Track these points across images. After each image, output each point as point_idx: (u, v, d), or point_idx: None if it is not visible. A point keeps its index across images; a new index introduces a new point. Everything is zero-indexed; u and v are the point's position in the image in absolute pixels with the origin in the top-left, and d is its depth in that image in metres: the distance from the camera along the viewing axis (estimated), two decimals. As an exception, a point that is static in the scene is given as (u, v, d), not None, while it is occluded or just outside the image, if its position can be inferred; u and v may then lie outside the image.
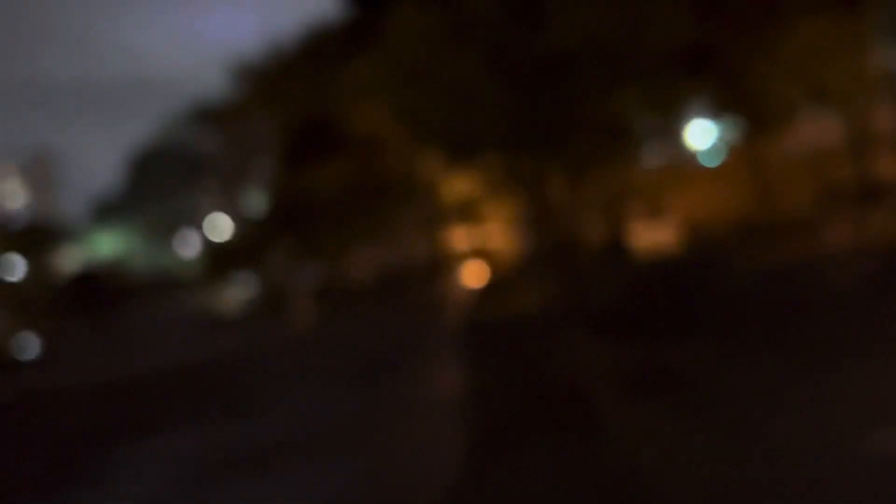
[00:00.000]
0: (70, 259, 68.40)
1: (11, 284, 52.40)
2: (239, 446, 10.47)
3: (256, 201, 49.85)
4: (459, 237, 45.68)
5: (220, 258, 49.66)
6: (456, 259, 44.60)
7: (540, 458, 7.24)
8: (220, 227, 56.37)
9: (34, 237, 61.01)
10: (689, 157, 39.52)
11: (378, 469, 8.25)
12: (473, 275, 40.70)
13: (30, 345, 34.45)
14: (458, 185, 40.89)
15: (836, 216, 29.38)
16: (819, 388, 7.80)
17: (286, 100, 44.04)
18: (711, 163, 39.33)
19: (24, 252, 56.52)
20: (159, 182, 77.61)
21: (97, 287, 45.96)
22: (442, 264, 43.62)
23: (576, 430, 7.98)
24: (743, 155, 36.94)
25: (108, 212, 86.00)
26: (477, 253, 44.53)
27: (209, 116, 57.34)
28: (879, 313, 11.20)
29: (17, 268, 55.76)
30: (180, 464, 9.97)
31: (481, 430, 9.06)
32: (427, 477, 7.46)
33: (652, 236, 35.62)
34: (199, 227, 64.50)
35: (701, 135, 38.04)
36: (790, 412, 7.19)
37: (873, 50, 30.06)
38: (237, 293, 45.61)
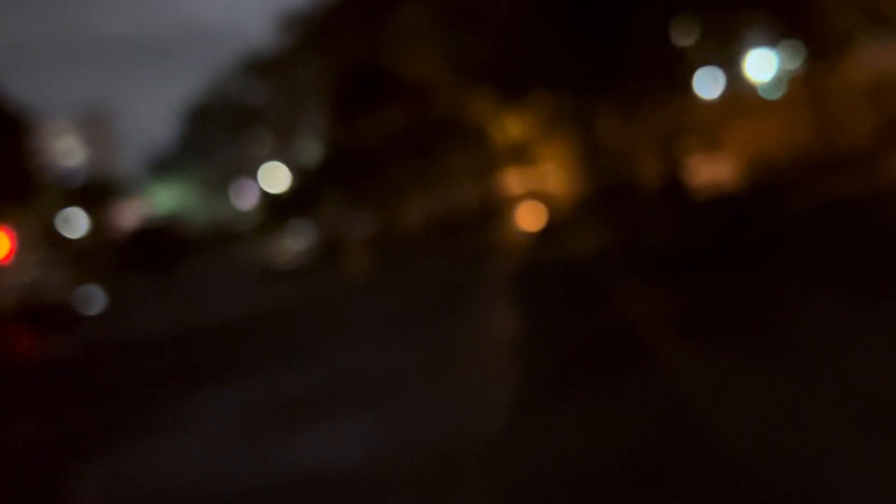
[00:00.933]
0: (129, 214, 69.44)
1: (74, 240, 53.37)
2: (301, 393, 10.53)
3: (310, 151, 50.02)
4: (514, 181, 45.39)
5: (275, 209, 50.05)
6: (511, 203, 44.37)
7: (596, 400, 7.14)
8: (275, 177, 56.63)
9: (93, 193, 61.99)
10: (748, 89, 38.68)
11: (435, 412, 8.21)
12: (529, 218, 40.47)
13: (94, 299, 35.09)
14: (510, 128, 40.52)
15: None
16: (881, 325, 7.55)
17: (335, 48, 43.91)
18: (771, 95, 38.44)
19: (85, 208, 57.47)
20: (213, 135, 78.22)
21: (157, 241, 46.62)
22: (497, 208, 43.43)
23: (633, 372, 7.85)
24: (803, 86, 36.05)
25: (164, 166, 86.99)
26: (532, 196, 44.25)
27: (260, 67, 57.43)
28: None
29: (79, 224, 56.73)
30: (246, 412, 10.05)
31: (538, 373, 8.98)
32: (483, 419, 7.41)
33: (710, 172, 35.03)
34: (254, 178, 64.95)
35: (760, 66, 37.13)
36: (851, 351, 6.96)
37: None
38: (293, 243, 45.93)
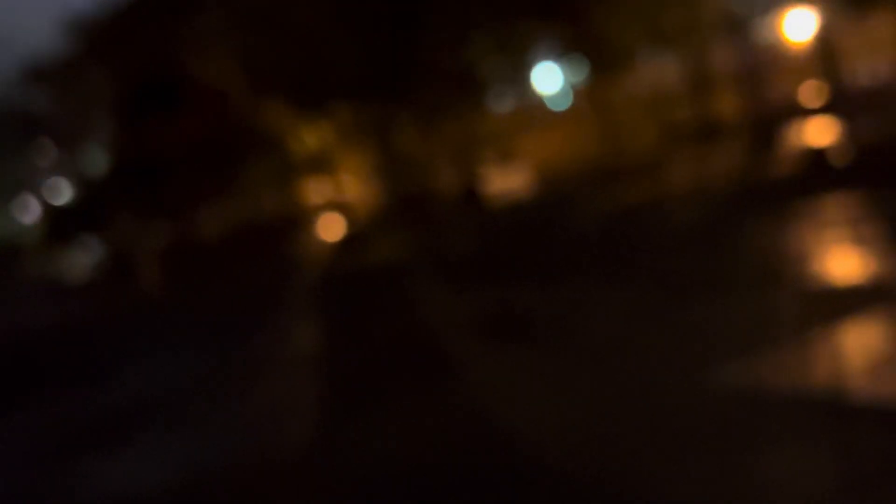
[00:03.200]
0: None
1: None
2: (95, 414, 10.12)
3: (98, 162, 47.99)
4: (314, 191, 45.15)
5: (62, 222, 47.75)
6: (311, 213, 44.10)
7: (394, 408, 7.21)
8: (62, 189, 54.11)
9: None
10: (537, 102, 39.97)
11: (234, 429, 8.07)
12: (329, 228, 40.36)
13: None
14: (309, 138, 40.31)
15: (678, 156, 30.28)
16: (667, 326, 7.98)
17: (125, 54, 42.34)
18: (559, 107, 39.89)
19: None
20: (-8, 145, 73.81)
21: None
22: (297, 219, 43.06)
23: (430, 378, 7.97)
24: (589, 98, 37.59)
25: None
26: (332, 206, 44.14)
27: (44, 74, 54.69)
28: (722, 250, 11.56)
29: None
30: (39, 437, 9.57)
31: (338, 383, 8.97)
32: (284, 434, 7.34)
33: (504, 182, 36.01)
34: (38, 190, 61.79)
35: (548, 79, 38.46)
36: (641, 350, 7.34)
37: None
38: (81, 257, 43.99)
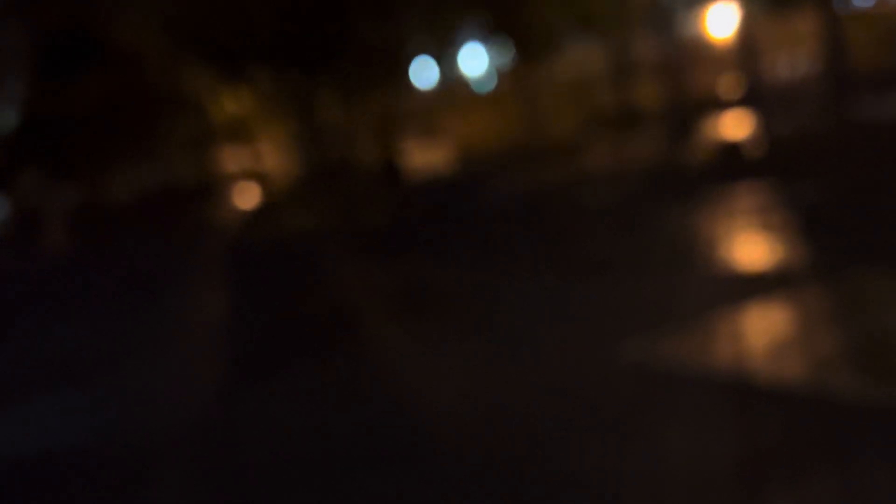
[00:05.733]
0: None
1: None
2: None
3: (7, 117, 46.52)
4: (231, 158, 44.48)
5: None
6: (227, 180, 43.45)
7: (299, 382, 7.08)
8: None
9: None
10: (462, 82, 39.94)
11: (132, 397, 7.83)
12: (245, 196, 39.81)
13: None
14: (228, 104, 39.63)
15: (598, 141, 30.54)
16: (573, 305, 7.98)
17: (42, 9, 41.05)
18: (483, 88, 39.91)
19: None
20: None
21: None
22: (212, 185, 42.38)
23: (338, 352, 7.85)
24: (513, 81, 37.68)
25: None
26: (249, 174, 43.55)
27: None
28: (633, 232, 11.64)
29: None
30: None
31: (240, 354, 8.79)
32: (184, 403, 7.14)
33: (425, 157, 35.93)
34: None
35: (473, 60, 38.44)
36: (545, 328, 7.31)
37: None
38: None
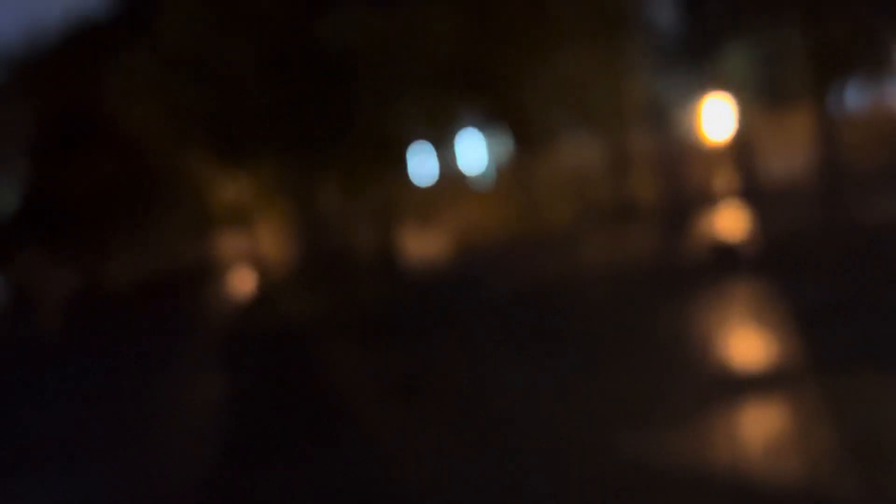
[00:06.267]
0: None
1: None
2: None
3: (9, 196, 46.81)
4: (230, 242, 44.65)
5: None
6: (226, 265, 43.56)
7: (291, 463, 7.06)
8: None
9: None
10: (460, 172, 40.36)
11: (126, 483, 7.78)
12: (243, 281, 39.87)
13: None
14: (228, 189, 39.93)
15: (595, 234, 30.75)
16: (569, 396, 7.99)
17: (46, 92, 41.65)
18: (481, 178, 40.34)
19: None
20: None
21: None
22: (211, 270, 42.47)
23: (327, 437, 7.84)
24: (511, 171, 38.09)
25: None
26: (247, 259, 43.68)
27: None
28: (628, 327, 11.67)
29: None
30: None
31: (235, 438, 8.75)
32: (179, 490, 7.09)
33: (422, 247, 36.10)
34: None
35: (471, 150, 38.94)
36: (541, 419, 7.31)
37: (635, 77, 31.70)
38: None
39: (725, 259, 17.84)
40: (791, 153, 30.96)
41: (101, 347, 22.09)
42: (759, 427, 6.14)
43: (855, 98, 30.31)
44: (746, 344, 9.20)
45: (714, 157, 32.57)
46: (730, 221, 24.11)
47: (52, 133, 40.11)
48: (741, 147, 28.75)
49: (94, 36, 38.83)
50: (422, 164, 38.95)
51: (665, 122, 31.76)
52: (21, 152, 45.39)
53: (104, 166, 37.87)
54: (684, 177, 31.84)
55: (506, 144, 35.69)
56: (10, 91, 45.28)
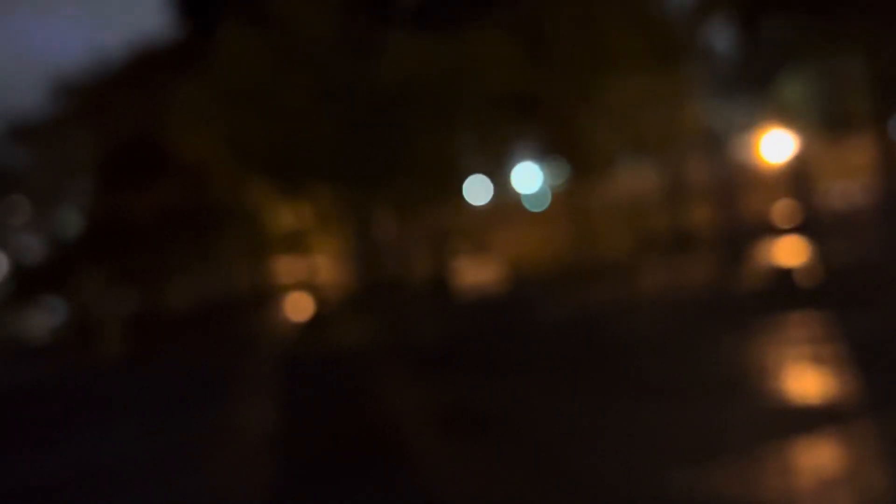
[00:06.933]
0: None
1: None
2: (32, 481, 9.87)
3: (71, 224, 47.78)
4: (285, 268, 45.06)
5: (27, 281, 47.30)
6: (281, 291, 43.94)
7: (351, 496, 7.10)
8: (30, 249, 53.75)
9: None
10: (515, 200, 40.38)
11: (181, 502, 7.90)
12: (298, 307, 40.19)
13: None
14: (285, 216, 40.36)
15: (651, 263, 30.54)
16: (625, 429, 7.95)
17: (108, 119, 42.55)
18: (536, 206, 40.32)
19: None
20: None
21: None
22: (266, 296, 42.86)
23: (387, 467, 7.86)
24: (566, 200, 38.00)
25: None
26: (303, 285, 44.03)
27: (25, 132, 54.81)
28: (685, 358, 11.58)
29: None
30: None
31: (290, 466, 8.82)
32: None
33: (476, 274, 36.13)
34: (7, 248, 61.33)
35: (527, 178, 38.95)
36: (597, 452, 7.28)
37: (690, 104, 31.51)
38: (45, 319, 43.51)
39: (783, 289, 17.62)
40: (850, 182, 30.53)
41: (160, 370, 22.40)
42: (813, 464, 6.07)
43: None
44: (802, 377, 9.09)
45: (772, 185, 32.21)
46: (788, 251, 23.82)
47: (114, 159, 40.93)
48: (800, 176, 28.42)
49: (156, 65, 39.64)
50: (477, 192, 39.05)
51: (723, 150, 31.50)
52: (83, 178, 46.38)
53: (164, 192, 38.55)
54: (742, 205, 31.52)
55: (562, 172, 35.66)
56: (74, 118, 46.35)
